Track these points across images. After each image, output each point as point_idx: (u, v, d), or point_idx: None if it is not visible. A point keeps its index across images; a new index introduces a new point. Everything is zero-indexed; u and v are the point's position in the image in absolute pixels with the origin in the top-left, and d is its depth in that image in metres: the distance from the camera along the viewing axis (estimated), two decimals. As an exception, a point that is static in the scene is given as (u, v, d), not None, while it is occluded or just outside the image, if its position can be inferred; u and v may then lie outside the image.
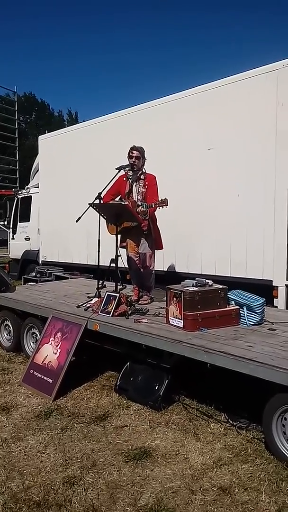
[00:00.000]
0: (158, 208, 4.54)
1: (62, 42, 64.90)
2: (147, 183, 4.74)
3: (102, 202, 4.70)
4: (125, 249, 4.91)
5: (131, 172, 4.78)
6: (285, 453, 2.88)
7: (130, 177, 4.79)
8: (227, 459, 2.94)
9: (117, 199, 4.85)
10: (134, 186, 4.78)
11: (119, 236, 4.70)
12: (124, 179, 4.83)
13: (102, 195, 4.71)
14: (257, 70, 5.26)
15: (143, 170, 4.81)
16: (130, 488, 2.67)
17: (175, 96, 6.21)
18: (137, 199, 4.73)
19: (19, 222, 9.94)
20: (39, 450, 3.12)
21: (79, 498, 2.58)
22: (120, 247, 4.82)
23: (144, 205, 4.55)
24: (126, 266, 4.92)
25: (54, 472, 2.85)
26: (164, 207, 4.50)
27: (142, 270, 4.89)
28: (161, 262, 5.85)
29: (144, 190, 4.74)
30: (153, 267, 4.94)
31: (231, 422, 3.39)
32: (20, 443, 3.22)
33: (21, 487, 2.69)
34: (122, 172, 4.82)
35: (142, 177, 4.78)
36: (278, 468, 2.82)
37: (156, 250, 4.91)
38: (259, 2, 62.59)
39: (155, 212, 4.73)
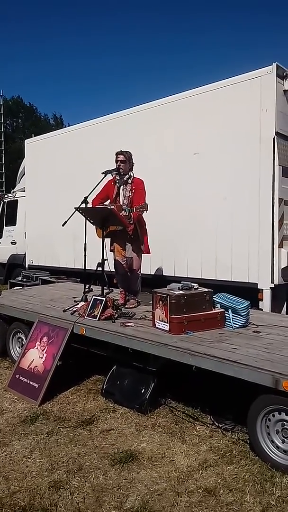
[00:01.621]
0: (139, 212, 4.58)
1: (48, 45, 64.74)
2: (134, 187, 4.78)
3: (91, 206, 4.72)
4: (112, 253, 4.93)
5: (118, 176, 4.81)
6: (270, 454, 2.92)
7: (118, 181, 4.82)
8: (212, 461, 2.97)
9: (106, 203, 4.87)
10: (121, 190, 4.81)
11: (106, 240, 4.71)
12: (113, 183, 4.86)
13: (88, 199, 4.73)
14: (241, 76, 5.35)
15: (130, 174, 4.83)
16: (116, 491, 2.68)
17: (160, 102, 6.28)
18: (123, 203, 4.76)
19: (5, 226, 9.88)
20: (25, 455, 3.11)
21: (65, 502, 2.58)
22: (110, 251, 4.84)
23: (126, 210, 4.59)
24: (113, 270, 4.94)
25: (40, 476, 2.84)
26: (144, 211, 4.55)
27: (129, 274, 4.91)
28: (147, 265, 5.88)
29: (130, 194, 4.77)
30: (140, 271, 4.97)
31: (216, 424, 3.42)
32: (5, 448, 3.20)
33: (6, 492, 2.68)
34: (110, 177, 4.85)
35: (129, 181, 4.81)
36: (262, 469, 2.86)
37: (143, 254, 4.93)
38: (245, 8, 63.23)
39: (143, 216, 4.77)
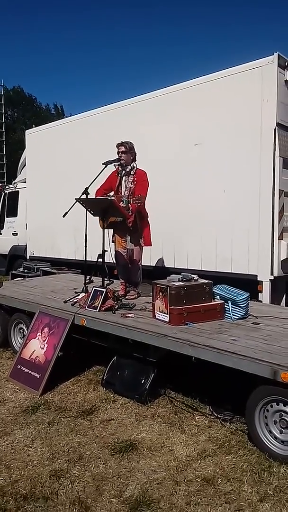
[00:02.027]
0: (137, 204, 4.57)
1: (49, 36, 64.08)
2: (136, 178, 4.76)
3: (95, 196, 4.71)
4: (114, 244, 4.94)
5: (121, 167, 4.80)
6: (267, 444, 2.95)
7: (120, 172, 4.81)
8: (211, 451, 3.01)
9: (110, 194, 4.86)
10: (123, 181, 4.80)
11: (106, 231, 4.72)
12: (116, 174, 4.85)
13: (90, 190, 4.72)
14: (242, 66, 5.30)
15: (134, 165, 4.81)
16: (116, 480, 2.72)
17: (161, 92, 6.23)
18: (124, 194, 4.76)
19: (7, 217, 9.88)
20: (26, 444, 3.15)
21: (65, 491, 2.62)
22: (111, 241, 4.85)
23: (124, 201, 4.59)
24: (113, 261, 4.95)
25: (41, 465, 2.88)
26: (139, 203, 4.57)
27: (129, 265, 4.93)
28: (148, 257, 5.89)
29: (132, 186, 4.76)
30: (141, 263, 4.98)
31: (215, 414, 3.46)
32: (7, 438, 3.24)
33: (8, 480, 2.73)
34: (114, 168, 4.84)
35: (132, 172, 4.79)
36: (260, 459, 2.89)
37: (144, 246, 4.94)
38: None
39: (145, 208, 4.76)
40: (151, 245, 4.92)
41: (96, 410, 3.65)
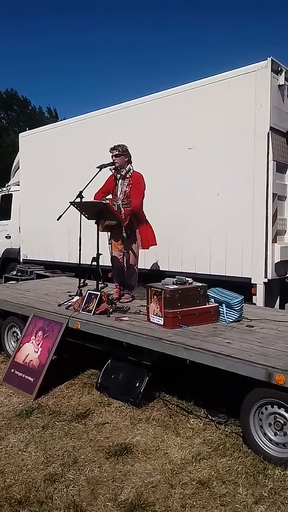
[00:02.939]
0: (127, 208, 4.58)
1: (43, 39, 64.18)
2: (131, 182, 4.76)
3: (93, 200, 4.71)
4: (109, 247, 4.94)
5: (116, 170, 4.81)
6: (262, 447, 2.96)
7: (116, 175, 4.82)
8: (206, 454, 3.01)
9: (108, 197, 4.86)
10: (119, 184, 4.80)
11: (101, 234, 4.71)
12: (113, 177, 4.85)
13: (84, 194, 4.72)
14: (236, 71, 5.35)
15: (129, 168, 4.79)
16: (111, 483, 2.71)
17: (155, 96, 6.27)
18: (119, 197, 4.76)
19: (0, 220, 9.85)
20: (20, 448, 3.13)
21: (60, 495, 2.60)
22: (108, 243, 4.84)
23: (116, 205, 4.59)
24: (108, 264, 4.95)
25: (36, 470, 2.87)
26: (128, 208, 4.57)
27: (125, 269, 4.92)
28: (142, 260, 5.88)
29: (127, 189, 4.75)
30: (137, 266, 4.98)
31: (210, 417, 3.46)
32: (1, 442, 3.22)
33: (2, 485, 2.70)
34: (109, 171, 4.84)
35: (127, 175, 4.78)
36: (255, 461, 2.90)
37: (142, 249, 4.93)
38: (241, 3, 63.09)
39: (143, 210, 4.77)
40: (155, 244, 4.89)
41: (91, 413, 3.64)
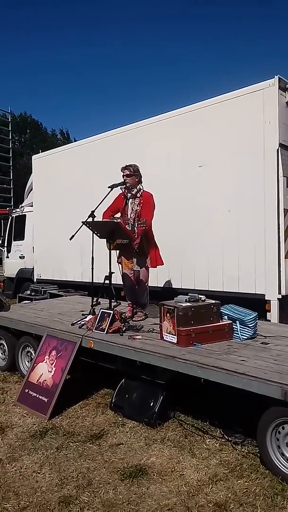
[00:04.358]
0: (142, 227, 4.61)
1: (56, 59, 66.04)
2: (142, 201, 4.81)
3: (102, 218, 4.76)
4: (120, 266, 4.96)
5: (127, 190, 4.86)
6: (280, 467, 2.89)
7: (127, 195, 4.87)
8: (222, 475, 2.95)
9: (117, 215, 4.91)
10: (129, 203, 4.85)
11: (114, 252, 4.75)
12: (123, 196, 4.91)
13: (96, 213, 4.78)
14: (244, 89, 5.42)
15: (140, 188, 4.86)
16: (126, 506, 2.66)
17: (165, 116, 6.36)
18: (130, 216, 4.80)
19: (14, 240, 9.98)
20: (35, 470, 3.11)
21: (75, 518, 2.57)
22: (117, 262, 4.86)
23: (129, 224, 4.62)
24: (121, 282, 4.96)
25: (50, 492, 2.84)
26: (144, 227, 4.60)
27: (136, 286, 4.93)
28: (154, 278, 5.90)
29: (138, 208, 4.80)
30: (148, 284, 4.98)
31: (226, 437, 3.40)
32: (15, 463, 3.20)
33: (16, 507, 2.68)
34: (120, 190, 4.90)
35: (138, 195, 4.84)
36: (273, 482, 2.83)
37: (151, 268, 4.95)
38: (248, 17, 64.15)
39: (152, 229, 4.80)
40: (162, 264, 4.91)
41: (105, 434, 3.61)
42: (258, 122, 5.22)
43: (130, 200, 4.85)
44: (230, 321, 3.98)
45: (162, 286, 6.24)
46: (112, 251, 4.68)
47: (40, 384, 4.22)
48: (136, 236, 4.65)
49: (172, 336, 3.85)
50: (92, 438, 3.54)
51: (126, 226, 4.63)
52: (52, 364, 4.26)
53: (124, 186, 4.85)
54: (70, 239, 4.77)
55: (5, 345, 5.41)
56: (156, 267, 4.92)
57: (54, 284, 8.25)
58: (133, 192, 4.84)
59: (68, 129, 45.62)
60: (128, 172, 4.80)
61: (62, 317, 5.25)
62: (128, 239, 4.60)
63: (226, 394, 3.24)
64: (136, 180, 4.85)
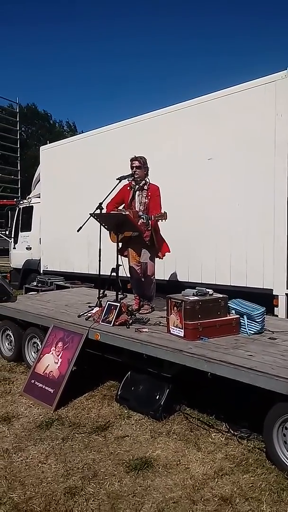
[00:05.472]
0: (157, 220, 4.58)
1: (62, 51, 65.79)
2: (150, 194, 4.78)
3: (106, 210, 4.74)
4: (127, 258, 4.94)
5: (134, 181, 4.83)
6: (286, 463, 2.88)
7: (134, 186, 4.84)
8: (228, 469, 2.94)
9: (120, 207, 4.89)
10: (137, 195, 4.82)
11: (120, 245, 4.73)
12: (128, 188, 4.87)
13: (103, 205, 4.75)
14: (255, 81, 5.33)
15: (146, 180, 4.83)
16: (131, 498, 2.67)
17: (175, 107, 6.29)
18: (139, 209, 4.77)
19: (21, 231, 9.99)
20: (41, 460, 3.12)
21: (80, 509, 2.58)
22: (122, 255, 4.85)
23: (145, 217, 4.58)
24: (128, 275, 4.95)
25: (56, 482, 2.85)
26: (163, 220, 4.54)
27: (143, 279, 4.92)
28: (161, 271, 5.88)
29: (146, 200, 4.77)
30: (154, 277, 4.97)
31: (232, 431, 3.39)
32: (21, 454, 3.22)
33: (22, 497, 2.70)
34: (126, 182, 4.87)
35: (145, 187, 4.80)
36: (279, 477, 2.82)
37: (157, 259, 4.93)
38: (259, 11, 63.34)
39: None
40: (169, 251, 4.89)
41: (111, 426, 3.62)
42: (269, 115, 5.14)
43: (138, 192, 4.82)
44: (238, 316, 3.95)
45: (169, 279, 6.22)
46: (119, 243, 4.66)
47: (46, 375, 4.23)
48: (149, 229, 4.61)
49: (179, 329, 3.83)
50: (97, 429, 3.54)
51: (141, 220, 4.58)
52: (58, 356, 4.27)
53: (133, 178, 4.81)
54: (78, 230, 4.75)
55: (12, 335, 5.43)
56: (164, 256, 4.89)
57: (60, 276, 8.25)
58: (141, 184, 4.80)
59: (75, 121, 45.47)
60: (138, 164, 4.77)
61: (68, 308, 5.26)
62: (137, 232, 4.58)
63: (233, 388, 3.23)
64: (144, 172, 4.82)
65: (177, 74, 68.18)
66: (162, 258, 4.93)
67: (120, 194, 4.91)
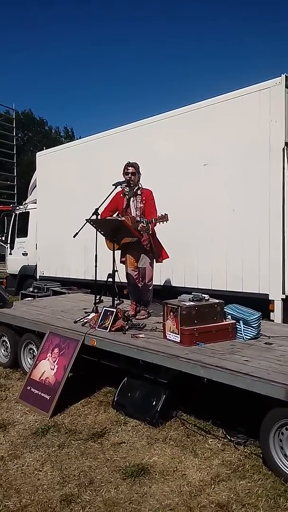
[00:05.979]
0: (158, 223, 4.59)
1: (59, 56, 66.05)
2: (144, 198, 4.80)
3: (99, 218, 4.75)
4: (124, 265, 4.94)
5: (127, 188, 4.84)
6: (283, 468, 2.87)
7: (127, 193, 4.85)
8: (224, 475, 2.93)
9: (114, 215, 4.90)
10: (131, 201, 4.83)
11: (117, 251, 4.73)
12: (121, 195, 4.89)
13: (99, 211, 4.76)
14: (250, 88, 5.38)
15: (139, 185, 4.86)
16: (128, 505, 2.65)
17: (171, 113, 6.33)
18: (136, 214, 4.78)
19: (17, 237, 9.98)
20: (36, 467, 3.10)
21: (76, 517, 2.56)
22: (120, 262, 4.84)
23: (144, 221, 4.59)
24: (124, 281, 4.95)
25: (51, 490, 2.83)
26: (165, 222, 4.55)
27: (140, 284, 4.92)
28: (158, 276, 5.88)
29: (142, 205, 4.79)
30: (152, 282, 4.97)
31: (228, 437, 3.38)
32: (17, 461, 3.20)
33: (18, 505, 2.67)
34: (119, 189, 4.88)
35: (139, 192, 4.83)
36: (276, 483, 2.81)
37: (155, 264, 4.93)
38: (257, 16, 63.99)
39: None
40: (168, 257, 4.92)
41: (107, 432, 3.60)
42: (264, 121, 5.18)
43: (132, 198, 4.83)
44: (234, 321, 3.96)
45: (164, 284, 6.22)
46: (117, 250, 4.66)
47: (42, 381, 4.21)
48: (149, 233, 4.63)
49: (176, 335, 3.83)
50: (94, 436, 3.52)
51: (141, 224, 4.59)
52: (54, 362, 4.25)
53: (126, 184, 4.83)
54: (74, 236, 4.75)
55: (8, 342, 5.41)
56: (163, 261, 4.91)
57: (57, 282, 8.25)
58: (134, 190, 4.82)
59: (72, 127, 45.56)
60: (133, 170, 4.79)
61: (64, 314, 5.25)
62: (135, 237, 4.59)
63: (229, 394, 3.22)
64: (138, 179, 4.84)
65: (177, 78, 68.67)
66: (162, 262, 4.94)
67: (113, 201, 4.91)
